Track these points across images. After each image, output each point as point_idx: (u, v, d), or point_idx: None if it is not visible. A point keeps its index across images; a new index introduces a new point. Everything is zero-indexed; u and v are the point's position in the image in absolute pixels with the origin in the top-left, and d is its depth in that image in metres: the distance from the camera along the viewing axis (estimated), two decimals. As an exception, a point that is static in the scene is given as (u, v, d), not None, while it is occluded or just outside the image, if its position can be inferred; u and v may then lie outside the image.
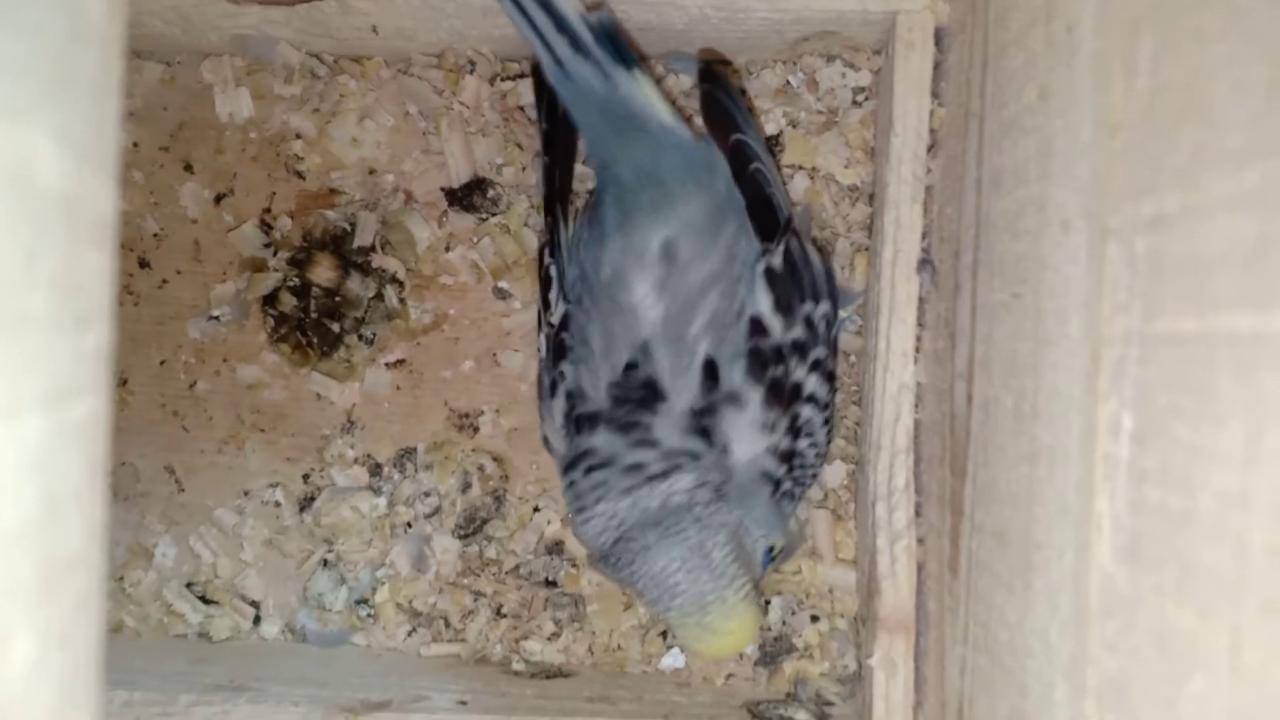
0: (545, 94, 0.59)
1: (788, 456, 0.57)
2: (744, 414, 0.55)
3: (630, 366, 0.56)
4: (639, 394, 0.55)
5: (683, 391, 0.55)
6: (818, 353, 0.57)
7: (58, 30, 0.21)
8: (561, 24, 0.54)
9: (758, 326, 0.56)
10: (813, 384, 0.57)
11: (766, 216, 0.57)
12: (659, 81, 0.62)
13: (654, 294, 0.56)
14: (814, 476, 0.59)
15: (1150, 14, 0.32)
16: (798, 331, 0.56)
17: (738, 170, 0.58)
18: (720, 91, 0.59)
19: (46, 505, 0.20)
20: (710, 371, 0.55)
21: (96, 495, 0.23)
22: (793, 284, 0.57)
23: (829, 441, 0.60)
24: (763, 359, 0.55)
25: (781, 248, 0.57)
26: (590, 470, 0.56)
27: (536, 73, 0.61)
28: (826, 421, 0.59)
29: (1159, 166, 0.31)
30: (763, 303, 0.56)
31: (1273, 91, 0.26)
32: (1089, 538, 0.33)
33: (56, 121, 0.21)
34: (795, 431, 0.57)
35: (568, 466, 0.58)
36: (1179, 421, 0.29)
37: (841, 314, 0.61)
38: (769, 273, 0.56)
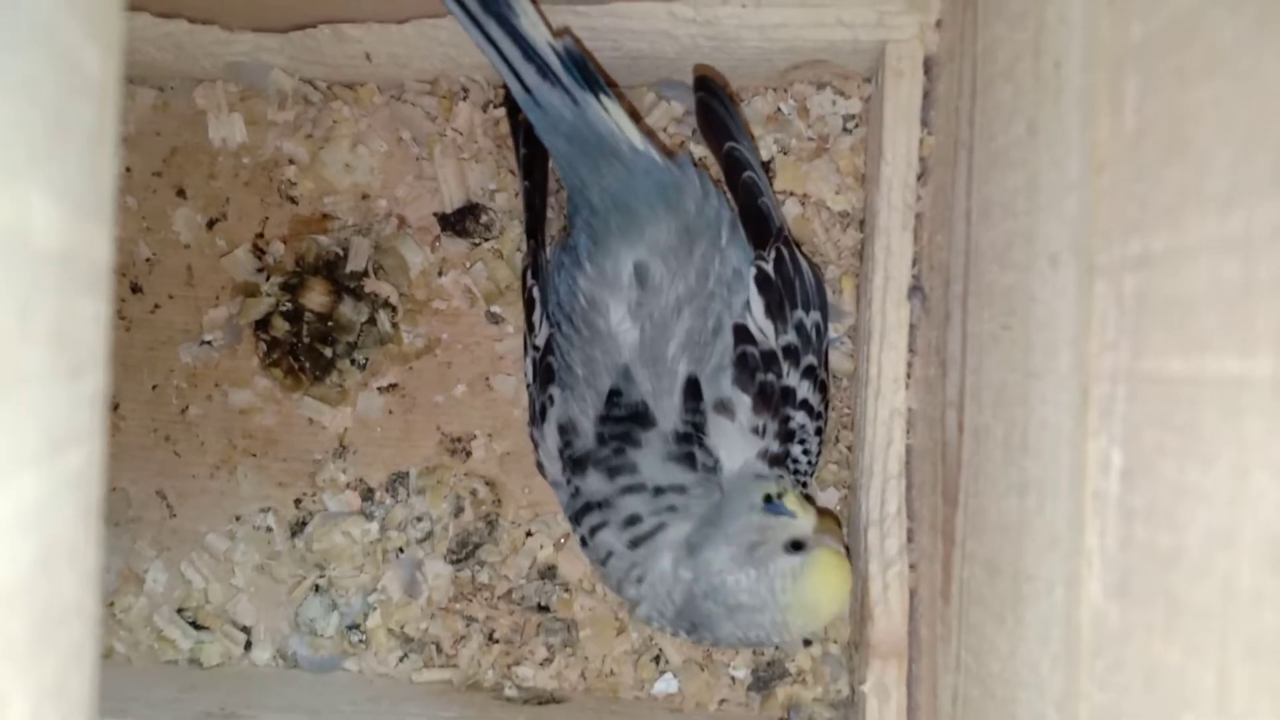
0: (521, 121, 0.59)
1: (779, 460, 0.57)
2: (733, 421, 0.56)
3: (614, 392, 0.56)
4: (623, 428, 0.56)
5: (669, 413, 0.56)
6: (809, 360, 0.57)
7: (53, 85, 0.21)
8: (528, 52, 0.54)
9: (745, 334, 0.56)
10: (805, 390, 0.57)
11: (759, 224, 0.58)
12: (632, 110, 0.62)
13: (630, 318, 0.56)
14: (805, 485, 0.59)
15: (1136, 53, 0.32)
16: (790, 337, 0.57)
17: (731, 178, 0.58)
18: (715, 101, 0.60)
19: (41, 560, 0.20)
20: (693, 389, 0.56)
21: (91, 542, 0.23)
22: (785, 291, 0.57)
23: (820, 453, 0.60)
24: (751, 365, 0.56)
25: (773, 255, 0.57)
26: (595, 530, 0.57)
27: (509, 100, 0.61)
28: (819, 431, 0.59)
29: (1145, 205, 0.31)
30: (754, 308, 0.56)
31: (1255, 136, 0.26)
32: (1079, 572, 0.33)
33: (53, 176, 0.21)
34: (788, 435, 0.57)
35: (574, 518, 0.59)
36: (1166, 460, 0.29)
37: (831, 333, 0.61)
38: (761, 279, 0.57)
